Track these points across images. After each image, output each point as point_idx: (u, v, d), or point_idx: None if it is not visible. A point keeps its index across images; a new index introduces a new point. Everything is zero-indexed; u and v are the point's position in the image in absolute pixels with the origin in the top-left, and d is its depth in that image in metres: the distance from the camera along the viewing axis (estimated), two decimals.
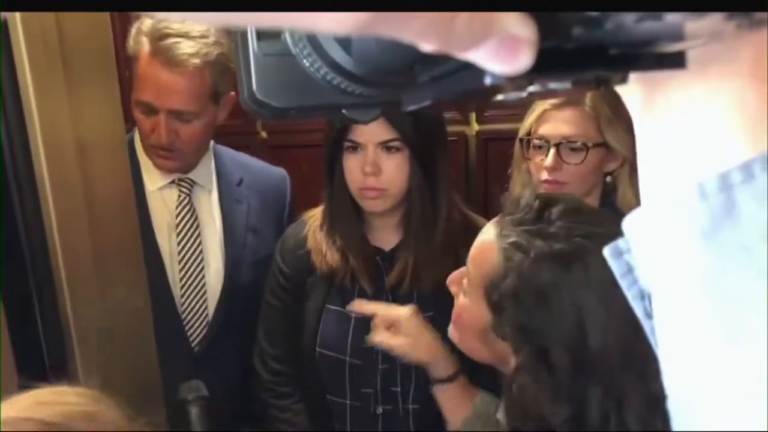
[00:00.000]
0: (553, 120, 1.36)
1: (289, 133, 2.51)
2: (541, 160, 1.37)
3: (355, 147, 1.25)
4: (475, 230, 0.99)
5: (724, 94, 0.26)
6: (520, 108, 1.54)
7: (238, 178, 1.60)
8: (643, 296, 0.29)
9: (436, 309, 1.23)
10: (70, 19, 0.77)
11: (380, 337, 1.16)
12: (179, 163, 1.49)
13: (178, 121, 1.41)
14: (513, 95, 0.24)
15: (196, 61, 1.36)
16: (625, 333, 0.79)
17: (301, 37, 0.31)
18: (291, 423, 1.38)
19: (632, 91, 0.28)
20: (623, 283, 0.30)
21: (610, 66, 0.23)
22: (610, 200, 1.41)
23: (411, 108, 0.30)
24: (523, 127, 1.43)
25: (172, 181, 1.52)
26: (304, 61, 0.32)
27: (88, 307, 0.83)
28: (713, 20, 0.21)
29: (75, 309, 0.81)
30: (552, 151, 1.35)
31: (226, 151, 1.62)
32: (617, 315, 0.79)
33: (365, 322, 1.31)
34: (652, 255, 0.27)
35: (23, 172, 0.76)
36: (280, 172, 1.69)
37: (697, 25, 0.22)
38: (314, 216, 1.37)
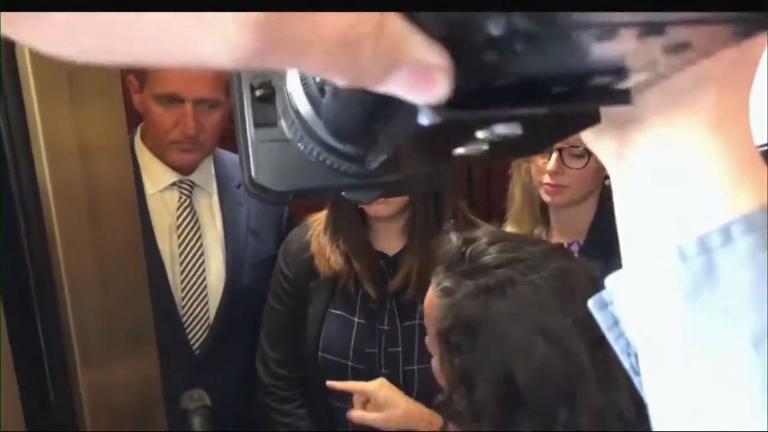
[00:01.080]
0: None
1: None
2: (544, 163, 1.37)
3: None
4: None
5: (690, 147, 0.25)
6: None
7: (238, 181, 1.59)
8: (629, 352, 0.29)
9: None
10: None
11: (357, 414, 1.20)
12: (200, 156, 1.50)
13: (203, 111, 1.42)
14: (473, 149, 0.23)
15: None
16: (560, 357, 0.79)
17: (293, 120, 0.32)
18: (293, 427, 1.37)
19: (604, 145, 0.28)
20: (610, 336, 0.29)
21: (553, 103, 0.22)
22: (607, 205, 1.40)
23: (373, 165, 0.29)
24: None
25: (173, 184, 1.52)
26: (299, 144, 0.32)
27: (88, 309, 0.82)
28: (647, 50, 0.21)
29: (75, 311, 0.81)
30: (555, 155, 1.35)
31: (226, 155, 1.62)
32: (547, 342, 0.79)
33: (368, 327, 1.30)
34: (635, 312, 0.27)
35: (25, 176, 0.75)
36: None
37: (629, 55, 0.22)
38: (318, 220, 1.37)
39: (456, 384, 0.84)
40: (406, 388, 1.28)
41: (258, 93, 0.33)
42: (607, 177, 1.25)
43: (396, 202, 1.27)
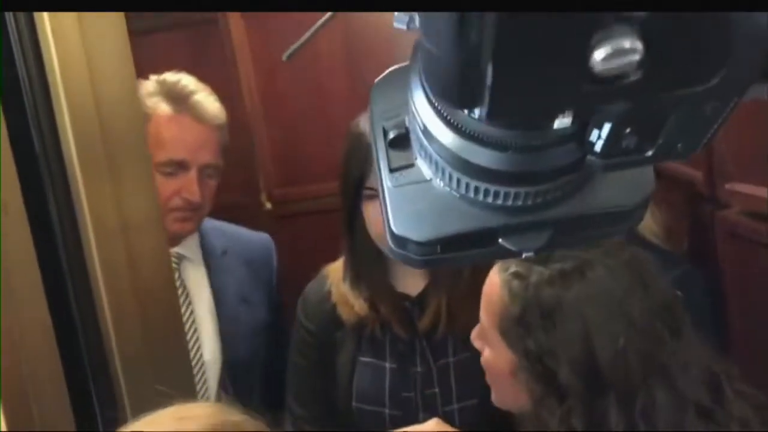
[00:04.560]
0: None
1: (295, 201, 2.57)
2: None
3: (376, 194, 1.29)
4: None
5: None
6: None
7: (223, 249, 1.62)
8: None
9: (473, 349, 1.25)
10: (110, 116, 0.86)
11: None
12: (195, 225, 1.53)
13: (205, 177, 1.47)
14: (617, 52, 0.19)
15: (223, 116, 1.47)
16: (639, 341, 0.84)
17: (431, 153, 0.28)
18: None
19: None
20: None
21: None
22: None
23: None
24: None
25: None
26: (440, 180, 0.29)
27: (138, 373, 0.87)
28: None
29: (126, 373, 0.86)
30: None
31: (208, 222, 1.64)
32: (627, 324, 0.84)
33: (401, 371, 1.33)
34: None
35: (73, 252, 0.82)
36: (263, 237, 1.73)
37: None
38: (335, 269, 1.41)
39: (530, 367, 0.88)
40: None
41: (391, 135, 0.31)
42: None
43: None
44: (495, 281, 0.96)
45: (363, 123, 1.27)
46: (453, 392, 1.32)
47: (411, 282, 1.39)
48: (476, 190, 0.27)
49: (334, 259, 1.45)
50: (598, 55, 0.19)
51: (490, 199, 0.27)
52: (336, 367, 1.38)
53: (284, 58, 0.52)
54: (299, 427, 1.43)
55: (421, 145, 0.29)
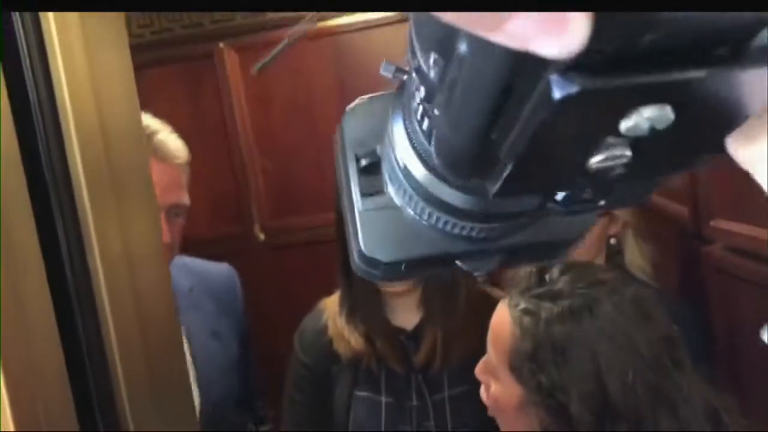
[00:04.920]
0: None
1: (288, 232, 2.60)
2: None
3: None
4: (495, 300, 1.05)
5: None
6: None
7: (189, 286, 1.60)
8: None
9: (468, 383, 1.28)
10: (117, 152, 0.89)
11: None
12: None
13: (173, 217, 1.44)
14: (612, 157, 0.22)
15: (186, 154, 1.44)
16: (648, 373, 0.89)
17: (403, 183, 0.31)
18: None
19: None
20: None
21: (714, 66, 0.20)
22: (616, 261, 1.48)
23: (493, 192, 0.26)
24: None
25: None
26: (409, 209, 0.31)
27: (140, 392, 0.90)
28: None
29: (129, 390, 0.88)
30: None
31: (173, 260, 1.59)
32: (636, 357, 0.89)
33: (397, 406, 1.35)
34: None
35: (82, 284, 0.84)
36: (226, 268, 1.71)
37: None
38: (332, 303, 1.43)
39: (541, 402, 0.91)
40: None
41: (363, 162, 0.34)
42: (611, 236, 1.35)
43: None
44: (504, 318, 0.99)
45: None
46: (448, 426, 1.34)
47: (406, 316, 1.42)
48: (445, 222, 0.31)
49: (327, 289, 1.48)
50: (594, 159, 0.22)
51: (456, 231, 0.31)
52: (332, 401, 1.40)
53: (253, 71, 0.54)
54: None
55: (395, 176, 0.32)
